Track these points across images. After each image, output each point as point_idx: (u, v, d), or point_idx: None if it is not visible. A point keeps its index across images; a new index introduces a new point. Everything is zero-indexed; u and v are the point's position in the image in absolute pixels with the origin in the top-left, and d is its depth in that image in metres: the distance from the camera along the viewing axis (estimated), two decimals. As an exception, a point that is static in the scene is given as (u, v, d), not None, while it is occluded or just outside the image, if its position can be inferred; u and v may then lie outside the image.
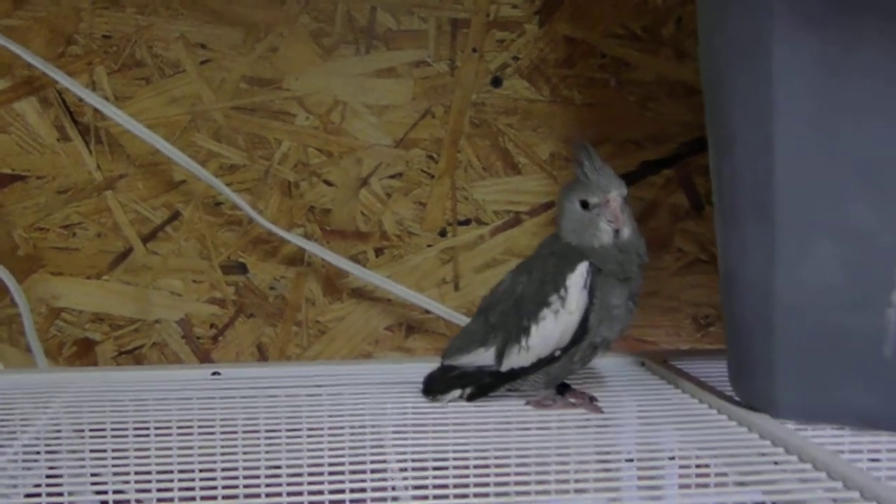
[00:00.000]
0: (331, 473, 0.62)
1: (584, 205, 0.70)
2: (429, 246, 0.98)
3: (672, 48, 0.99)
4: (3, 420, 0.71)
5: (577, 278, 0.70)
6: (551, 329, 0.70)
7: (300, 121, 0.96)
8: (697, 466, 0.64)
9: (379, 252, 0.98)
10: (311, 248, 0.94)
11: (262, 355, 0.98)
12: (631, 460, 0.65)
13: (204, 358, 0.98)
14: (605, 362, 0.88)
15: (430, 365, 0.77)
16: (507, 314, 0.73)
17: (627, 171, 0.99)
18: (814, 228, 0.64)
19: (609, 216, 0.70)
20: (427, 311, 0.97)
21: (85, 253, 0.96)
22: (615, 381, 0.83)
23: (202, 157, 0.95)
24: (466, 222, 0.98)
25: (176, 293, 0.97)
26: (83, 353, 0.98)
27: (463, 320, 0.94)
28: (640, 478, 0.66)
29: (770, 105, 0.64)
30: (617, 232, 0.70)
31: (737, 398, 0.73)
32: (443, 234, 0.98)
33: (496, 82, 0.97)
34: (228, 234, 0.96)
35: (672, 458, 0.65)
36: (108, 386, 0.80)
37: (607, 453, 0.65)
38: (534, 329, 0.71)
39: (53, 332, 0.98)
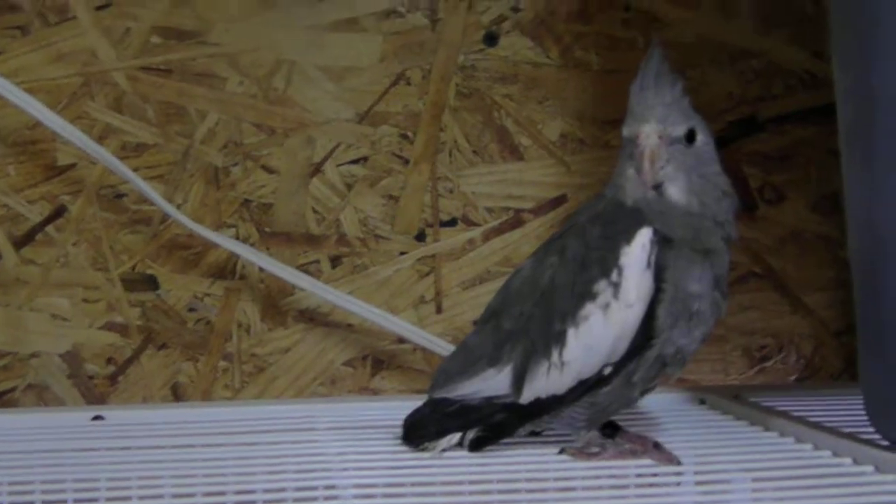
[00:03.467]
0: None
1: (623, 138, 0.54)
2: (402, 254, 0.83)
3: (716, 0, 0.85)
4: None
5: (637, 253, 0.52)
6: (599, 333, 0.52)
7: (231, 86, 0.81)
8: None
9: (336, 262, 0.82)
10: (247, 255, 0.79)
11: (177, 400, 0.81)
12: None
13: (98, 404, 0.80)
14: (645, 400, 0.68)
15: (407, 405, 0.61)
16: (530, 316, 0.54)
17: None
18: None
19: (637, 161, 0.52)
20: (401, 340, 0.82)
21: (-66, 262, 0.80)
22: (672, 425, 0.63)
23: (98, 133, 0.79)
24: (451, 223, 0.83)
25: (60, 317, 0.80)
26: (-69, 401, 0.79)
27: (449, 350, 0.78)
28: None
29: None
30: (657, 187, 0.52)
31: (884, 440, 0.54)
32: (420, 237, 0.83)
33: (490, 40, 0.83)
34: (133, 237, 0.80)
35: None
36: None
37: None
38: (572, 335, 0.52)
39: None
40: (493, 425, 0.55)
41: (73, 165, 0.79)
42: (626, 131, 0.53)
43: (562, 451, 0.54)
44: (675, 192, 0.52)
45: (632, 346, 0.51)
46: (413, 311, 0.82)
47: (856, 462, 0.53)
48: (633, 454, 0.53)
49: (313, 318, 0.81)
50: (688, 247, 0.51)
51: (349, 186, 0.81)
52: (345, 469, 0.52)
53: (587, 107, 0.83)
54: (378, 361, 0.81)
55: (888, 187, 0.51)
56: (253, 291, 0.80)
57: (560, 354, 0.52)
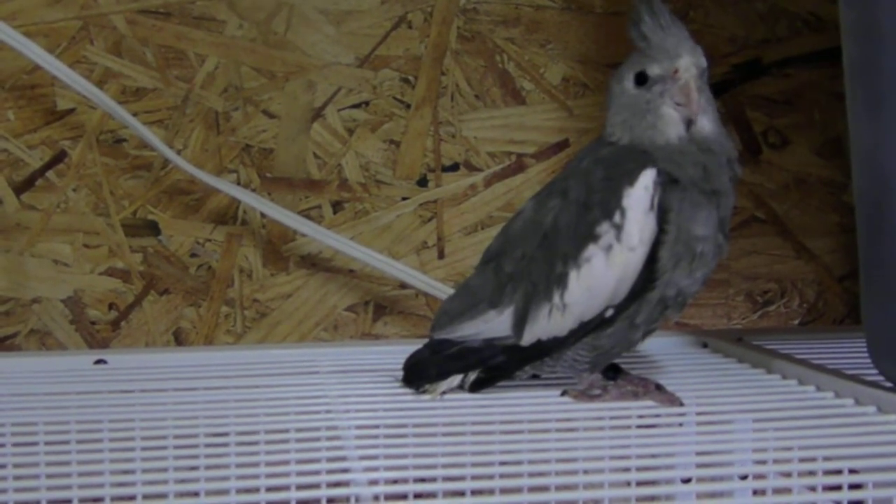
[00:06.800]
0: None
1: (642, 80, 0.52)
2: (404, 199, 0.81)
3: (720, -62, 0.83)
4: None
5: (640, 194, 0.50)
6: (601, 275, 0.51)
7: (231, 29, 0.79)
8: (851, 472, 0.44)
9: (338, 207, 0.80)
10: (248, 200, 0.77)
11: (179, 346, 0.80)
12: (745, 477, 0.47)
13: (101, 349, 0.78)
14: (648, 343, 0.67)
15: (410, 350, 0.59)
16: (531, 259, 0.53)
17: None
18: None
19: (678, 96, 0.51)
20: (403, 286, 0.80)
21: (-64, 208, 0.78)
22: (674, 368, 0.62)
23: (98, 78, 0.77)
24: (453, 168, 0.81)
25: (62, 262, 0.78)
26: (-65, 345, 0.78)
27: (451, 296, 0.75)
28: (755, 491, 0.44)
29: None
30: (690, 122, 0.51)
31: (886, 381, 0.53)
32: (422, 183, 0.81)
33: (492, -18, 0.82)
34: (134, 182, 0.78)
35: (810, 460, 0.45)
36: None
37: (709, 465, 0.46)
38: (573, 277, 0.51)
39: None
40: (494, 367, 0.54)
41: (72, 110, 0.77)
42: (654, 70, 0.51)
43: (564, 394, 0.53)
44: (707, 124, 0.51)
45: (634, 289, 0.50)
46: (415, 257, 0.80)
47: (858, 403, 0.52)
48: (636, 396, 0.52)
49: (315, 263, 0.80)
50: (696, 188, 0.50)
51: (350, 131, 0.79)
52: (347, 411, 0.51)
53: (590, 50, 0.81)
54: (380, 307, 0.80)
55: (894, 126, 0.50)
56: (254, 237, 0.79)
57: (562, 296, 0.51)
